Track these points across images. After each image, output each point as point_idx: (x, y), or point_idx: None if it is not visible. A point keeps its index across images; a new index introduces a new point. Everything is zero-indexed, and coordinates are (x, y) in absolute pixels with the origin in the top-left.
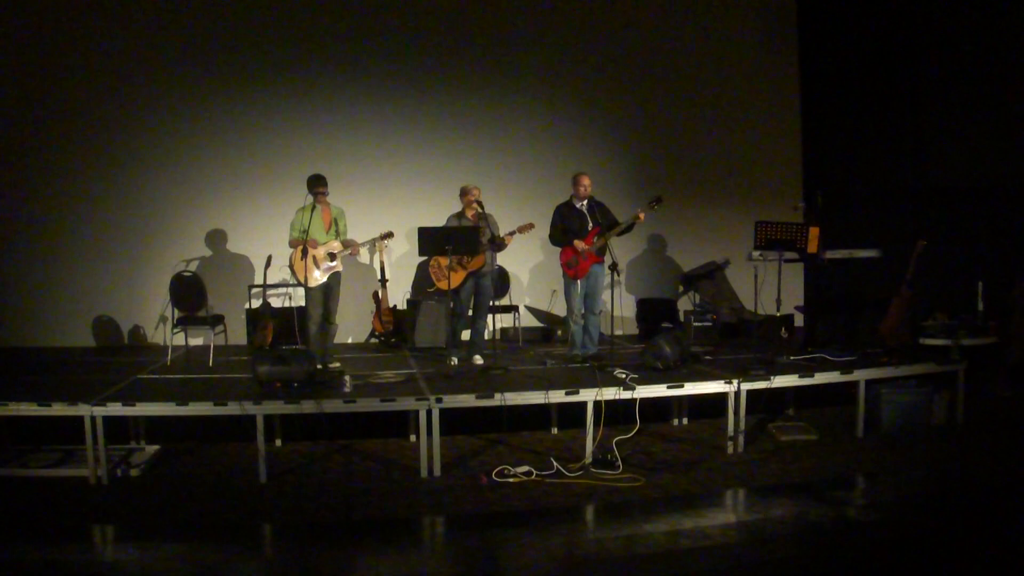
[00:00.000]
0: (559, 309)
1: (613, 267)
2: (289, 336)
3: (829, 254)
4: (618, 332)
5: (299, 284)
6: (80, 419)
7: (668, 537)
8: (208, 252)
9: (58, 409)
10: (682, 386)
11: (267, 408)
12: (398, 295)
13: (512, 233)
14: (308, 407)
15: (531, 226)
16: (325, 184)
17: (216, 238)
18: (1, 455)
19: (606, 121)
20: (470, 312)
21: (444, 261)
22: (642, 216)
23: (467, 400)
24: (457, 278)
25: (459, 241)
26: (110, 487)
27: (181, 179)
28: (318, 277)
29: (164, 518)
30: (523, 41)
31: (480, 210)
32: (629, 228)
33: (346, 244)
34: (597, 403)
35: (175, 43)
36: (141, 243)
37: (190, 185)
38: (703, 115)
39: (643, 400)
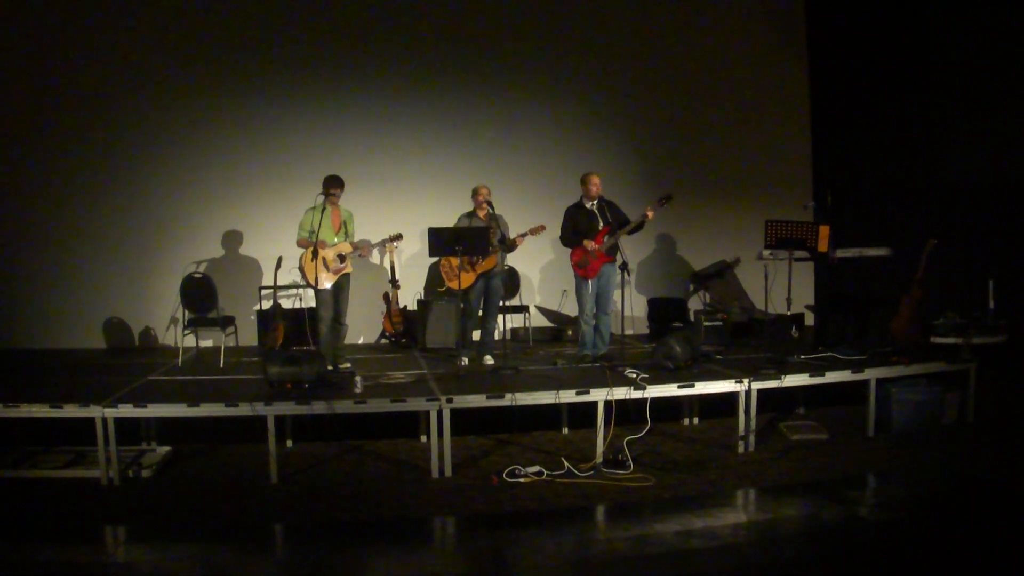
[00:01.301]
0: (569, 309)
1: (624, 267)
2: (300, 337)
3: (839, 253)
4: (628, 332)
5: (309, 286)
6: (92, 420)
7: (679, 537)
8: (218, 254)
9: (70, 411)
10: (693, 385)
11: (278, 409)
12: (409, 296)
13: (523, 235)
14: (319, 408)
15: (542, 228)
16: (341, 187)
17: (226, 240)
18: (13, 456)
19: (616, 121)
20: (480, 312)
21: (455, 261)
22: (651, 214)
23: (478, 400)
24: (468, 279)
25: (469, 242)
26: (122, 488)
27: (191, 181)
28: (327, 279)
29: (175, 519)
30: (533, 41)
31: (491, 210)
32: (639, 227)
33: (356, 246)
34: (608, 403)
35: (187, 44)
36: (152, 245)
37: (200, 187)
38: (713, 114)
39: (654, 400)
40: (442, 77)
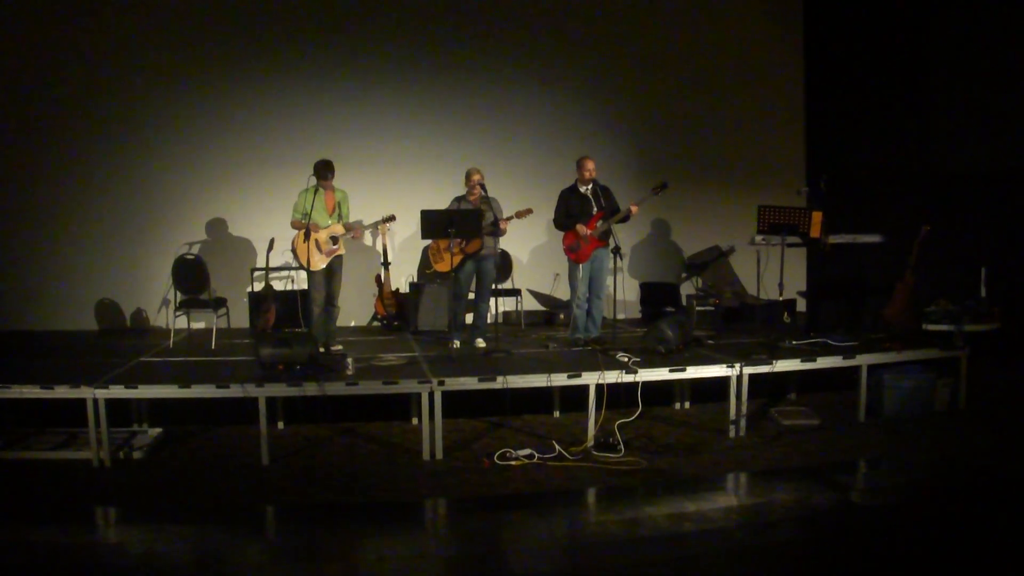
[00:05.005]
0: (561, 293)
1: (616, 251)
2: (291, 319)
3: (832, 239)
4: (621, 316)
5: (301, 267)
6: (83, 402)
7: (670, 520)
8: (211, 235)
9: (61, 392)
10: (684, 370)
11: (269, 391)
12: (401, 278)
13: (509, 218)
14: (310, 390)
15: (529, 211)
16: (332, 172)
17: (219, 221)
18: (4, 437)
19: (611, 106)
20: (471, 295)
21: (443, 244)
22: (635, 209)
23: (469, 383)
24: (455, 259)
25: (462, 224)
26: (113, 470)
27: (184, 161)
28: (320, 261)
29: (166, 500)
30: (527, 24)
31: (483, 193)
32: (626, 218)
33: (348, 228)
34: (599, 386)
35: (177, 27)
36: (144, 226)
37: (193, 168)
38: (707, 99)
39: (645, 384)
40: (436, 58)
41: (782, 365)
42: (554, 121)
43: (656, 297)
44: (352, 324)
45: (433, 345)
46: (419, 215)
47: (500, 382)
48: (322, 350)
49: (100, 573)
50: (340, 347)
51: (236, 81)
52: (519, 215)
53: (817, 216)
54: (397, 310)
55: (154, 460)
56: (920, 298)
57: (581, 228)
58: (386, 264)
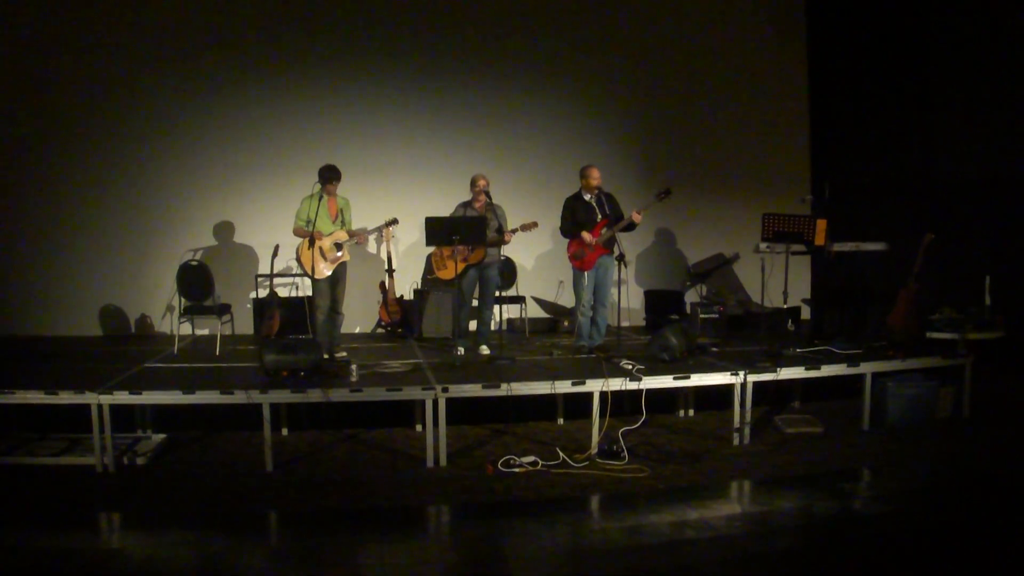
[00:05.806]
0: (565, 300)
1: (620, 258)
2: (296, 325)
3: (836, 247)
4: (625, 323)
5: (306, 275)
6: (87, 407)
7: (673, 528)
8: (215, 241)
9: (65, 397)
10: (688, 377)
11: (273, 397)
12: (405, 285)
13: (514, 231)
14: (314, 396)
15: (534, 224)
16: (339, 179)
17: (223, 228)
18: (8, 443)
19: (615, 113)
20: (473, 302)
21: (447, 251)
22: (637, 217)
23: (473, 390)
24: (459, 267)
25: (466, 232)
26: (116, 475)
27: (188, 168)
28: (325, 268)
29: (170, 506)
30: (532, 31)
31: (488, 200)
32: (630, 227)
33: (352, 234)
34: (603, 394)
35: (182, 33)
36: (149, 232)
37: (198, 174)
38: (712, 107)
39: (649, 391)
40: (442, 65)
41: (786, 373)
42: (559, 129)
43: (660, 305)
44: (356, 330)
45: (437, 352)
46: (423, 222)
47: (504, 389)
48: (326, 356)
49: None
50: (344, 353)
51: (241, 87)
52: (524, 228)
53: (821, 224)
54: (401, 317)
55: (158, 466)
56: (924, 306)
57: (586, 235)
58: (390, 271)
